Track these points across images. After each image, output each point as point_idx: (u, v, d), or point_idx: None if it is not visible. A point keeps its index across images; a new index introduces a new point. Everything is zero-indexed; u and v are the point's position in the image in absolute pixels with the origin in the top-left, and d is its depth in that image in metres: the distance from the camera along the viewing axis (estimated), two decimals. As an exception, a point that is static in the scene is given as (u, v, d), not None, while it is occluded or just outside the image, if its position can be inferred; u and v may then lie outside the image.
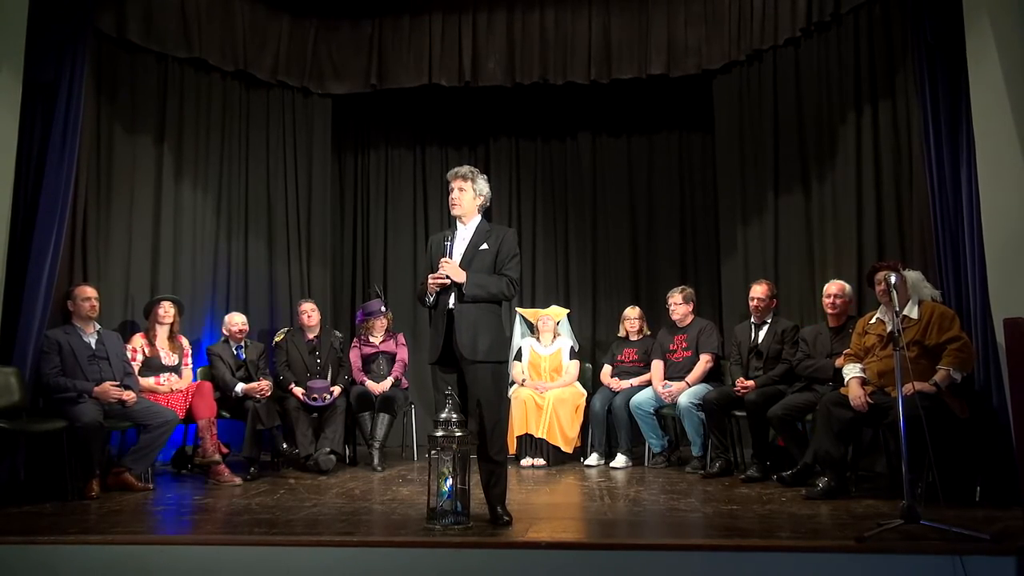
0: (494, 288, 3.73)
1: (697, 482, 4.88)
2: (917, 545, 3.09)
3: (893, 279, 3.77)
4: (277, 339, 5.99)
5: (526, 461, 5.64)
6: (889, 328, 4.18)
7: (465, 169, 3.88)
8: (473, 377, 3.68)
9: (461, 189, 3.84)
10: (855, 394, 4.25)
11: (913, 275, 4.35)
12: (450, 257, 3.75)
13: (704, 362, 5.54)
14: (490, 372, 3.70)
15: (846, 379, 4.39)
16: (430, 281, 3.72)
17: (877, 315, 4.45)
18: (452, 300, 3.71)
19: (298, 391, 5.59)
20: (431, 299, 3.75)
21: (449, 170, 3.94)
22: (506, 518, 3.62)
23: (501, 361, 3.82)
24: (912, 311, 4.26)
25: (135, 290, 5.75)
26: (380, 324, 6.08)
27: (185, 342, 5.54)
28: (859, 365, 4.39)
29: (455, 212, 3.87)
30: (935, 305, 4.28)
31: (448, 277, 3.68)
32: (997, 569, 2.94)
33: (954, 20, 4.39)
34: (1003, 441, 4.00)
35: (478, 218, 3.89)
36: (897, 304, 3.72)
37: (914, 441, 3.44)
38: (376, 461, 5.49)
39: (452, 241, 3.79)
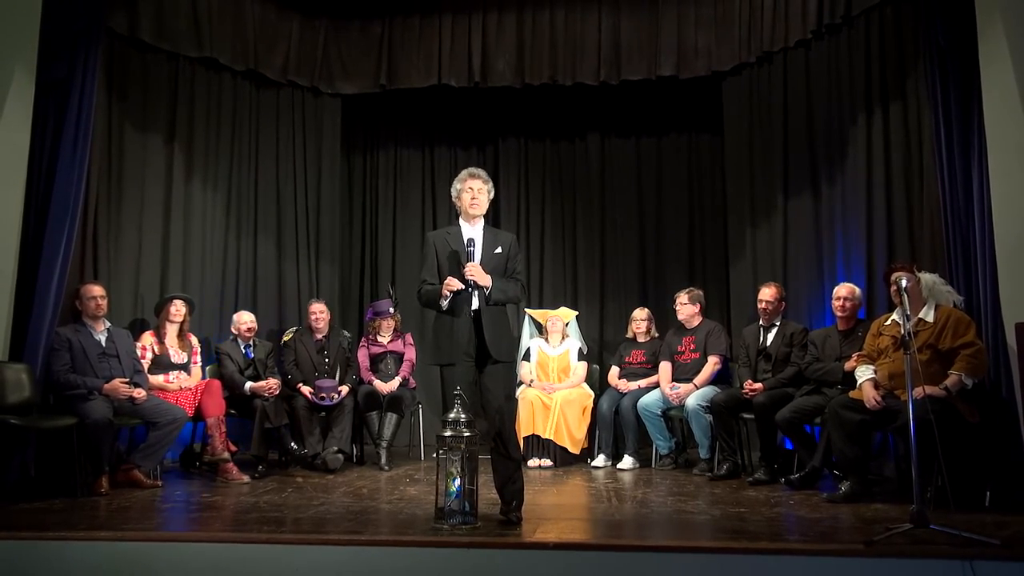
0: (512, 292, 3.85)
1: (704, 484, 4.87)
2: (927, 549, 3.07)
3: (904, 282, 3.75)
4: (286, 338, 6.01)
5: (533, 462, 5.64)
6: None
7: (482, 171, 3.95)
8: (495, 376, 3.74)
9: (481, 191, 3.89)
10: (869, 395, 4.22)
11: (930, 278, 4.30)
12: (474, 260, 3.76)
13: (712, 364, 5.53)
14: (510, 371, 3.87)
15: (859, 381, 4.36)
16: (447, 285, 3.71)
17: (893, 316, 4.40)
18: (476, 302, 3.74)
19: (306, 390, 5.61)
20: (446, 302, 3.75)
21: (462, 170, 3.96)
22: (515, 516, 3.64)
23: (514, 360, 4.01)
24: (928, 314, 4.22)
25: (145, 288, 5.77)
26: (388, 324, 6.09)
27: (194, 340, 5.56)
28: (871, 367, 4.35)
29: (476, 211, 3.87)
30: (952, 310, 4.22)
31: (473, 281, 3.70)
32: (1007, 574, 2.93)
33: (966, 22, 4.37)
34: (1013, 446, 3.99)
35: (482, 219, 3.94)
36: (907, 307, 3.69)
37: (924, 445, 3.42)
38: (383, 460, 5.50)
39: (474, 246, 3.79)
